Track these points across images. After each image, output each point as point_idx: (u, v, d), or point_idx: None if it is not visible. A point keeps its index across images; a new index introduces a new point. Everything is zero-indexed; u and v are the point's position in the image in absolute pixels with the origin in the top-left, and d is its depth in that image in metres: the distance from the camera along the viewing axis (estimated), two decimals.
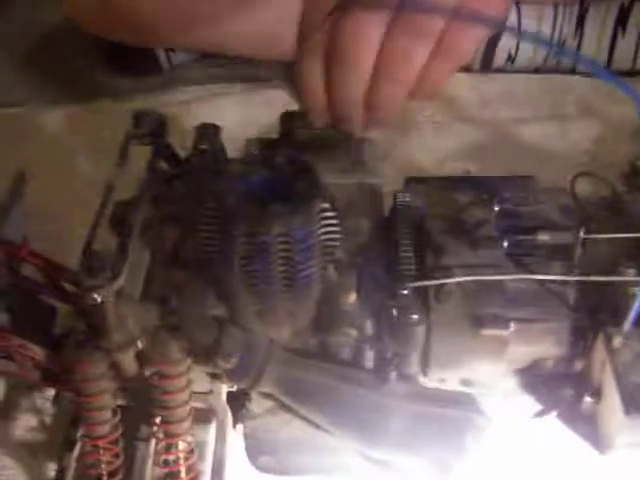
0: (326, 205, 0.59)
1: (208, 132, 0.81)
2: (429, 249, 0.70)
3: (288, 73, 1.05)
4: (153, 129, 0.72)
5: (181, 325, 0.64)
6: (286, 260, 0.59)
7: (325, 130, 0.75)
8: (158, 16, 1.06)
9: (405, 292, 0.67)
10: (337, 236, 0.61)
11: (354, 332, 0.66)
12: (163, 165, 0.74)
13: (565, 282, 0.71)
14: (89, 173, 1.05)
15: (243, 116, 1.12)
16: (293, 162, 0.61)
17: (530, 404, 0.77)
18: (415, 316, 0.66)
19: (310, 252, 0.59)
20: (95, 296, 0.58)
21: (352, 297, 0.66)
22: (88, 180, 1.02)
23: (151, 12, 1.06)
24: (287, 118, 0.77)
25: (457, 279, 0.68)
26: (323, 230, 0.60)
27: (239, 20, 1.04)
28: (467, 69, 1.18)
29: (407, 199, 0.74)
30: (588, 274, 0.71)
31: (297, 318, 0.66)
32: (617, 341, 0.69)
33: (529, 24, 1.14)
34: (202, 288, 0.65)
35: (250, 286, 0.61)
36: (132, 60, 1.22)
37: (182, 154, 0.79)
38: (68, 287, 0.76)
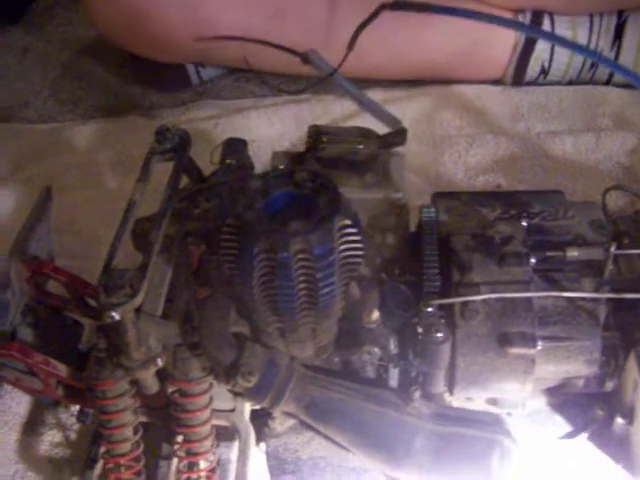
0: (348, 222, 0.58)
1: (235, 147, 0.81)
2: (454, 265, 0.69)
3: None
4: (176, 145, 0.72)
5: (202, 342, 0.63)
6: (307, 277, 0.58)
7: (353, 145, 0.74)
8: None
9: (430, 309, 0.65)
10: (359, 253, 0.60)
11: (377, 350, 0.65)
12: (186, 181, 0.74)
13: (596, 299, 0.69)
14: (117, 187, 1.06)
15: (272, 130, 1.12)
16: (315, 178, 0.60)
17: (560, 424, 0.75)
18: (440, 334, 0.64)
19: (331, 269, 0.58)
20: (113, 314, 0.58)
21: (375, 315, 0.64)
22: (116, 194, 1.02)
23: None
24: (314, 132, 0.76)
25: (483, 296, 0.66)
26: (345, 247, 0.59)
27: None
28: (499, 82, 1.16)
29: (432, 214, 0.73)
30: (620, 291, 0.70)
31: (319, 336, 0.64)
32: None
33: (563, 35, 1.12)
34: (224, 305, 0.64)
35: (271, 304, 0.60)
36: (162, 75, 1.23)
37: (210, 169, 0.79)
38: (92, 303, 0.76)
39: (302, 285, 0.58)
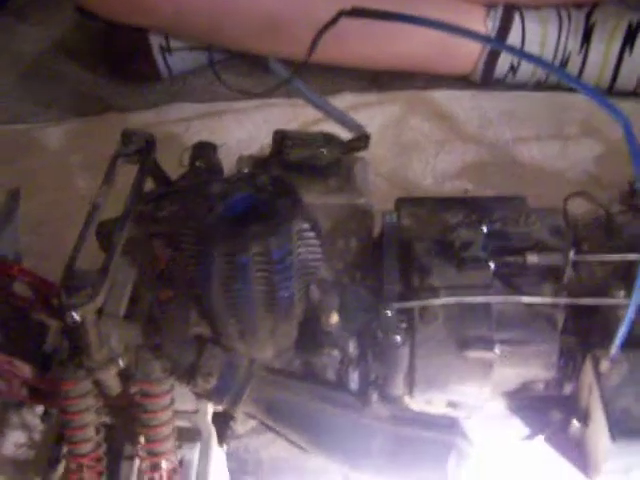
0: (306, 225, 0.59)
1: (205, 150, 0.82)
2: (415, 270, 0.70)
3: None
4: (141, 148, 0.72)
5: (162, 344, 0.64)
6: (265, 280, 0.59)
7: (316, 150, 0.75)
8: None
9: (389, 313, 0.66)
10: (318, 256, 0.61)
11: (336, 353, 0.66)
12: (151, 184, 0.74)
13: (554, 304, 0.70)
14: (87, 189, 1.06)
15: (243, 133, 1.12)
16: (275, 183, 0.61)
17: (519, 427, 0.76)
18: (398, 337, 0.65)
19: (289, 272, 0.59)
20: (74, 315, 0.58)
21: (334, 318, 0.65)
22: (85, 196, 1.03)
23: None
24: (279, 137, 0.77)
25: (441, 300, 0.67)
26: (303, 250, 0.60)
27: None
28: (468, 79, 1.18)
29: (394, 219, 0.74)
30: (578, 296, 0.71)
31: (279, 338, 0.65)
32: (605, 364, 0.68)
33: (533, 29, 1.14)
34: (185, 307, 0.65)
35: (230, 306, 0.61)
36: (132, 67, 1.24)
37: (180, 171, 0.79)
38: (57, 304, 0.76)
39: (261, 288, 0.59)
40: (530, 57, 0.71)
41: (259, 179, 0.62)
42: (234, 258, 0.58)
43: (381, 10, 0.62)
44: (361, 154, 0.77)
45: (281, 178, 0.62)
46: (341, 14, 0.63)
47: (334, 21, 0.63)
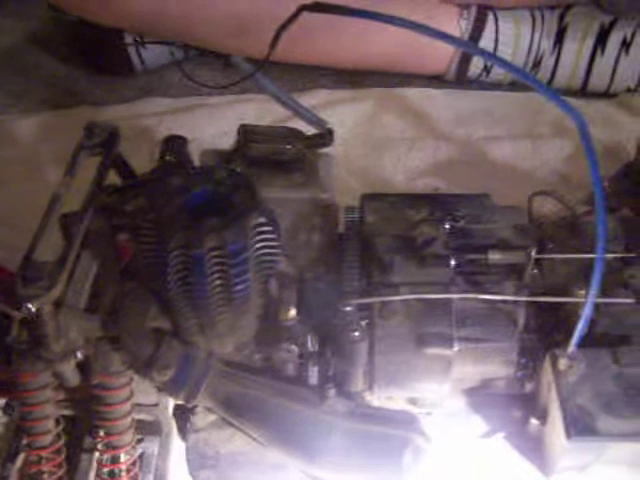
0: (263, 220, 0.59)
1: (175, 144, 0.81)
2: (375, 266, 0.70)
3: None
4: (104, 140, 0.72)
5: (120, 336, 0.64)
6: (221, 274, 0.59)
7: (280, 145, 0.75)
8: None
9: (348, 308, 0.66)
10: (275, 251, 0.61)
11: (295, 348, 0.66)
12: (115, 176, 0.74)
13: (516, 302, 0.71)
14: (57, 182, 1.05)
15: (215, 129, 1.12)
16: (233, 177, 0.61)
17: (479, 424, 0.77)
18: (357, 333, 0.65)
19: (245, 266, 0.59)
20: (29, 306, 0.58)
21: (292, 312, 0.65)
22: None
23: None
24: (243, 131, 0.77)
25: (401, 297, 0.67)
26: (260, 245, 0.60)
27: None
28: (441, 79, 1.18)
29: (356, 215, 0.74)
30: (541, 294, 0.71)
31: (238, 332, 0.65)
32: (563, 362, 0.68)
33: (506, 29, 1.14)
34: (144, 299, 0.65)
35: (188, 299, 0.61)
36: (106, 59, 1.25)
37: (152, 165, 0.79)
38: None
39: (217, 282, 0.59)
40: (505, 64, 0.70)
41: (218, 173, 0.62)
42: (189, 251, 0.57)
43: (344, 6, 0.62)
44: (328, 150, 0.77)
45: (240, 172, 0.62)
46: (302, 9, 0.63)
47: (295, 16, 0.63)
